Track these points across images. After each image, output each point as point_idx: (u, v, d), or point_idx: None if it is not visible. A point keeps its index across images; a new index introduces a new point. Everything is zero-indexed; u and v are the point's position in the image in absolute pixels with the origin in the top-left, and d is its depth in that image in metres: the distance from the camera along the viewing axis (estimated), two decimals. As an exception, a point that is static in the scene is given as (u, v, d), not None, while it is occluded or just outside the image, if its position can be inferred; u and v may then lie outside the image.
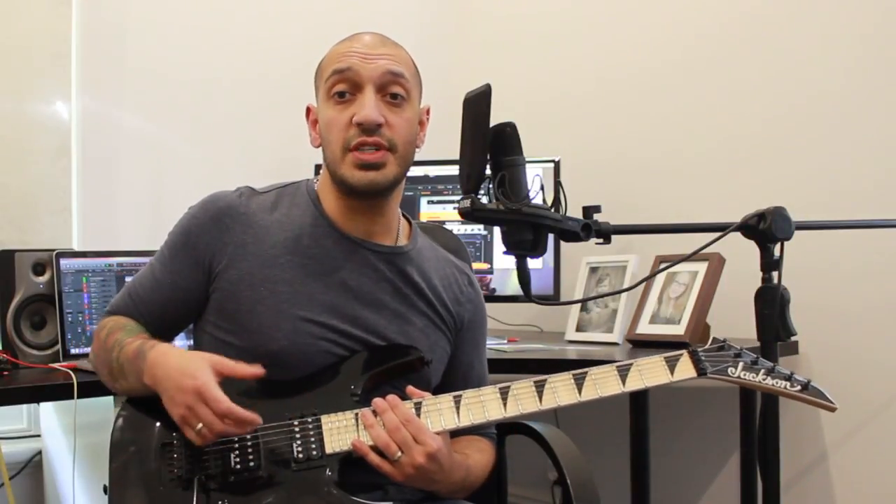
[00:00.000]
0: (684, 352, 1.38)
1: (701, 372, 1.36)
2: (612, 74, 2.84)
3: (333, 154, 1.42)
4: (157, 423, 1.36)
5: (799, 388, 1.32)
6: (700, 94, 2.61)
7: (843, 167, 2.30)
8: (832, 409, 1.33)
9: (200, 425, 1.26)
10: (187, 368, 1.28)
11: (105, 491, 1.35)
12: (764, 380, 1.33)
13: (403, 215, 1.56)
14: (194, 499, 1.29)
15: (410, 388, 1.38)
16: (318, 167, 1.56)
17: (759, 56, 2.47)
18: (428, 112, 1.52)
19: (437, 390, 1.46)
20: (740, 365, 1.35)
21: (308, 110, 1.52)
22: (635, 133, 2.76)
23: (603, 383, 1.36)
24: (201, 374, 1.27)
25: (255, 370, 1.30)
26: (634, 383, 1.36)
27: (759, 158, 2.46)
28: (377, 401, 1.34)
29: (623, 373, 1.37)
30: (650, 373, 1.37)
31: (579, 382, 1.36)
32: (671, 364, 1.37)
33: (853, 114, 2.29)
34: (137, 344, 1.38)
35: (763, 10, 2.47)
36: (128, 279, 2.01)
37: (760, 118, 2.47)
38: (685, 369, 1.37)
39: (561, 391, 1.36)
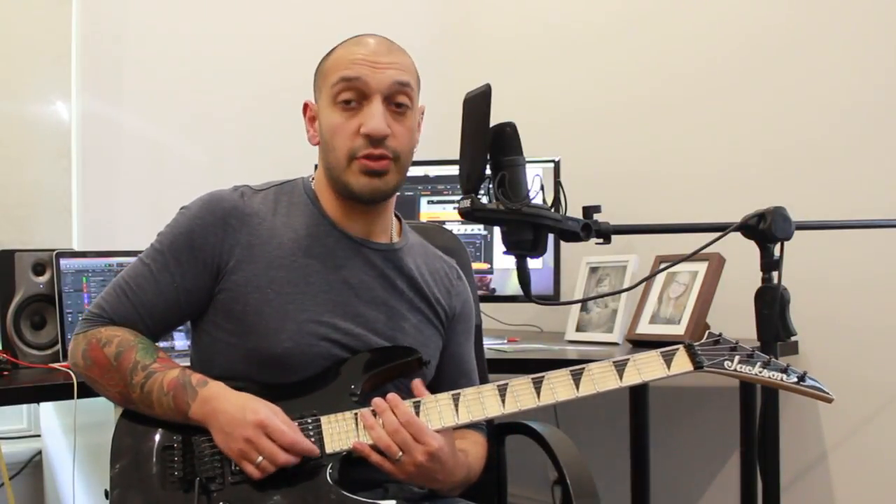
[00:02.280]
0: (680, 346, 1.38)
1: (697, 365, 1.36)
2: (611, 75, 2.84)
3: (338, 160, 1.42)
4: (158, 427, 1.36)
5: (795, 379, 1.32)
6: (699, 95, 2.61)
7: (843, 167, 2.30)
8: (829, 401, 1.33)
9: (261, 458, 1.27)
10: (248, 404, 1.31)
11: (106, 496, 1.34)
12: (760, 372, 1.33)
13: (394, 213, 1.57)
14: (195, 501, 1.29)
15: (416, 382, 1.38)
16: (317, 167, 1.56)
17: (758, 56, 2.48)
18: (422, 112, 1.52)
19: (430, 383, 1.46)
20: (736, 358, 1.35)
21: (305, 106, 1.51)
22: (635, 133, 2.76)
23: (600, 378, 1.36)
24: (262, 410, 1.30)
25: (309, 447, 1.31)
26: (631, 378, 1.36)
27: (760, 158, 2.46)
28: (377, 401, 1.34)
29: (620, 368, 1.37)
30: (647, 367, 1.37)
31: (576, 378, 1.36)
32: (667, 358, 1.37)
33: (853, 114, 2.29)
34: (176, 375, 1.35)
35: (761, 12, 2.48)
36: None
37: (760, 118, 2.47)
38: (681, 363, 1.37)
39: (559, 387, 1.36)
